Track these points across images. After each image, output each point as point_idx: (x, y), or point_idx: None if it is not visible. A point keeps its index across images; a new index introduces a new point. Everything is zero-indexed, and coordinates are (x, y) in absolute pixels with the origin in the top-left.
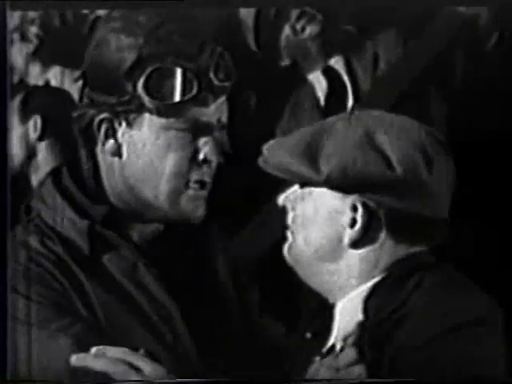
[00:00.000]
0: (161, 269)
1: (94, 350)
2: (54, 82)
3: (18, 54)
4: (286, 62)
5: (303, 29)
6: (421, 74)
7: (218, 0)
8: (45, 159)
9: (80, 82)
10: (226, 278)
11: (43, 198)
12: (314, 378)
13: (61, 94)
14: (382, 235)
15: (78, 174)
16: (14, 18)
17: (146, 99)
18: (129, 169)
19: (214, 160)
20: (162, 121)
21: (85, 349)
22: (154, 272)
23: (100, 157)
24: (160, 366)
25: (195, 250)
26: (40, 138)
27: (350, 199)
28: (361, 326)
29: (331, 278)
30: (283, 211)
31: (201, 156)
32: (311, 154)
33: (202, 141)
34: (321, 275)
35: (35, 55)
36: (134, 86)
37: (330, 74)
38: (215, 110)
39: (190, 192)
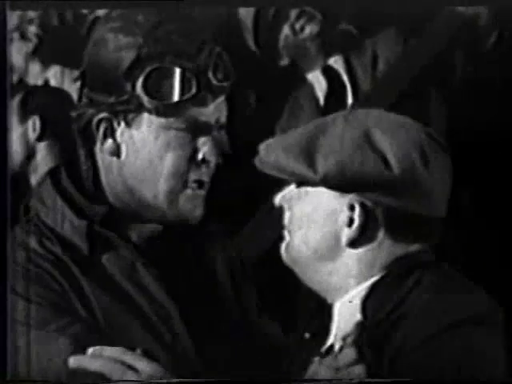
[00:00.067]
0: (160, 269)
1: (90, 350)
2: (53, 82)
3: (17, 54)
4: (285, 62)
5: (302, 28)
6: (420, 73)
7: (217, 0)
8: (44, 159)
9: (79, 82)
10: (225, 278)
11: (42, 198)
12: (314, 377)
13: (60, 94)
14: (380, 234)
15: (76, 174)
16: (13, 18)
17: (145, 99)
18: (127, 168)
19: (213, 160)
20: (161, 120)
21: (83, 349)
22: (153, 272)
23: (99, 156)
24: (157, 365)
25: (194, 249)
26: (39, 139)
27: (348, 198)
28: (360, 325)
29: (329, 277)
30: (282, 211)
31: (200, 156)
32: (308, 154)
33: (201, 140)
34: (319, 275)
35: (35, 54)
36: (133, 86)
37: (330, 73)
38: (214, 110)
39: (188, 191)
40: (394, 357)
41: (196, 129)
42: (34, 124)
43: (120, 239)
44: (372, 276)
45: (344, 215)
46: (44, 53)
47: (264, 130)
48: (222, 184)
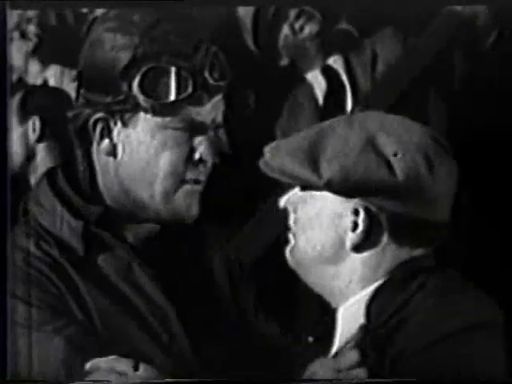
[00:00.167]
0: (156, 269)
1: (88, 365)
2: (52, 81)
3: (17, 53)
4: (284, 62)
5: (302, 28)
6: (420, 73)
7: None
8: (44, 160)
9: (76, 82)
10: (222, 278)
11: (38, 199)
12: (313, 378)
13: (59, 94)
14: (384, 239)
15: (72, 175)
16: (13, 17)
17: (141, 98)
18: (124, 168)
19: (210, 160)
20: (158, 120)
21: (80, 350)
22: (150, 272)
23: (95, 157)
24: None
25: (191, 249)
26: (39, 140)
27: (352, 203)
28: (363, 328)
29: (333, 281)
30: (281, 212)
31: (197, 155)
32: (312, 158)
33: (197, 140)
34: (323, 278)
35: (34, 54)
36: (130, 86)
37: (329, 73)
38: (210, 110)
39: (185, 191)
40: (397, 360)
41: (192, 128)
42: (33, 125)
43: (116, 239)
44: (376, 280)
45: (348, 219)
46: (44, 52)
47: (263, 130)
48: (221, 184)
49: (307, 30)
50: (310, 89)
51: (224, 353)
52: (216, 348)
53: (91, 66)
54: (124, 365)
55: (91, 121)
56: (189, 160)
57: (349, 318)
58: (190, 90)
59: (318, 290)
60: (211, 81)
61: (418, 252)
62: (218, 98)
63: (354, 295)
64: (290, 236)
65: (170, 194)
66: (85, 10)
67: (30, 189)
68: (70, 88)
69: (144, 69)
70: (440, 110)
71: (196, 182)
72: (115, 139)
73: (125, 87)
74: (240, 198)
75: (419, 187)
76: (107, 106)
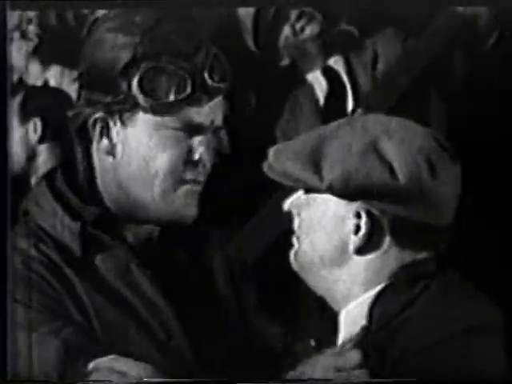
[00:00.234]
0: (155, 269)
1: (91, 365)
2: (53, 82)
3: (17, 53)
4: (285, 62)
5: (302, 29)
6: (421, 73)
7: (216, 0)
8: (45, 161)
9: (78, 83)
10: (222, 278)
11: (37, 200)
12: (313, 377)
13: (60, 94)
14: (386, 242)
15: (71, 175)
16: (13, 17)
17: (140, 97)
18: (123, 168)
19: (209, 160)
20: (157, 119)
21: (79, 350)
22: (148, 273)
23: (95, 156)
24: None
25: (191, 250)
26: (40, 141)
27: (354, 206)
28: (365, 329)
29: (336, 284)
30: (281, 212)
31: (196, 156)
32: (315, 161)
33: (196, 140)
34: (326, 281)
35: (35, 54)
36: (129, 85)
37: (330, 74)
38: (209, 111)
39: (184, 191)
40: (398, 361)
41: (191, 128)
42: (35, 126)
43: (114, 240)
44: (379, 283)
45: (351, 222)
46: (44, 53)
47: (264, 130)
48: (221, 184)
49: (308, 30)
50: (310, 89)
51: (224, 353)
52: (216, 348)
53: (92, 66)
54: (124, 364)
55: (91, 120)
56: (188, 160)
57: (351, 321)
58: (188, 90)
59: (321, 293)
60: (211, 82)
61: (421, 255)
62: (218, 99)
63: (356, 298)
64: (294, 239)
65: (169, 193)
66: (86, 11)
67: (30, 190)
68: (71, 88)
69: (144, 68)
70: (440, 111)
71: (195, 182)
72: (114, 139)
73: (124, 87)
74: (240, 198)
75: (421, 191)
76: (107, 105)
